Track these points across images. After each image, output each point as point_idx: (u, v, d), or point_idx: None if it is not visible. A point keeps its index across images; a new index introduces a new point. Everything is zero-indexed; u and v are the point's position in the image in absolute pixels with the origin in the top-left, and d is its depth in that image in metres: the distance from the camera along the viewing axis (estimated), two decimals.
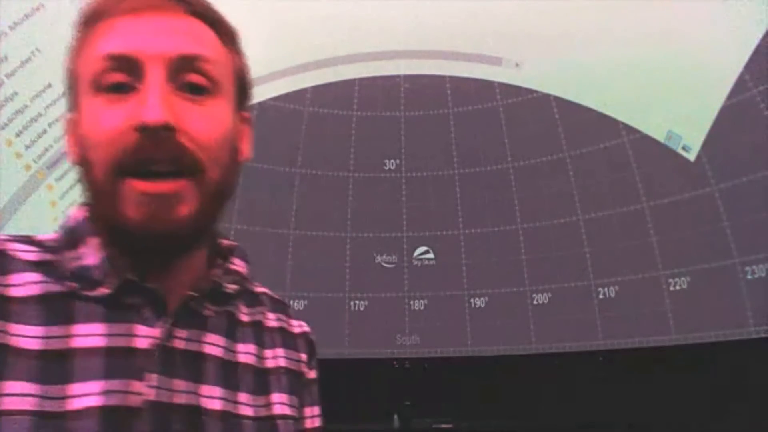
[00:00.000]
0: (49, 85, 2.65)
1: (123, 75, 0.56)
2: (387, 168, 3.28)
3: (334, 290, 3.16)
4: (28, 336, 0.55)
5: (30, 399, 0.52)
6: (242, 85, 0.66)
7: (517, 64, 3.18)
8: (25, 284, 0.57)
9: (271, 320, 0.73)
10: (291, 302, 3.29)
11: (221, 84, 0.61)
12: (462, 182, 3.25)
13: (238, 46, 0.66)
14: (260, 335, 0.70)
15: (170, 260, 0.61)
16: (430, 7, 3.14)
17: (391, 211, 3.26)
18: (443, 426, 2.98)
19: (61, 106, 2.95)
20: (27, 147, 2.64)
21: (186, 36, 0.59)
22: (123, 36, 0.57)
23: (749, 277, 2.69)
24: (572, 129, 3.12)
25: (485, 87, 3.23)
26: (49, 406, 0.53)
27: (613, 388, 2.73)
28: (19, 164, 2.64)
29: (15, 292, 0.56)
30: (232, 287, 0.66)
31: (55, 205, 2.71)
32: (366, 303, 3.16)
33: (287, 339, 0.73)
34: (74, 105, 0.61)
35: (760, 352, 2.59)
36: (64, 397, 0.53)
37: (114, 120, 0.56)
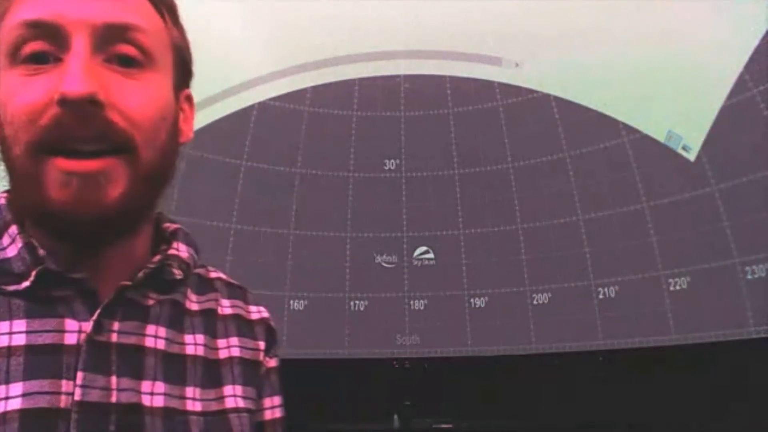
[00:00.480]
0: None
1: (44, 43, 0.51)
2: (387, 168, 3.28)
3: (334, 290, 3.16)
4: None
5: None
6: (182, 60, 0.61)
7: (517, 64, 3.18)
8: None
9: (226, 307, 0.68)
10: (291, 302, 3.29)
11: (156, 57, 0.56)
12: (462, 182, 3.25)
13: (176, 18, 0.61)
14: (212, 324, 0.66)
15: (101, 247, 0.57)
16: (430, 7, 3.14)
17: (391, 211, 3.26)
18: (443, 426, 2.98)
19: None
20: None
21: (119, 3, 0.54)
22: (46, 2, 0.51)
23: (749, 277, 2.69)
24: (572, 129, 3.12)
25: (485, 87, 3.23)
26: None
27: (613, 388, 2.73)
28: None
29: None
30: (176, 272, 0.61)
31: None
32: (366, 303, 3.16)
33: (243, 327, 0.69)
34: None
35: (760, 352, 2.59)
36: None
37: (33, 93, 0.50)
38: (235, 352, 0.66)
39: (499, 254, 3.18)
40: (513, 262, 3.15)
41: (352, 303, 3.17)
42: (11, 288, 0.54)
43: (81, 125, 0.50)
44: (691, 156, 2.88)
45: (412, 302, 3.19)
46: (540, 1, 3.04)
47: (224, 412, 0.62)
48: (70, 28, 0.51)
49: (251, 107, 3.08)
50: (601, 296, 2.99)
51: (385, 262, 3.23)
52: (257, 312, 0.72)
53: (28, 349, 0.51)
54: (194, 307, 0.65)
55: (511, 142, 3.21)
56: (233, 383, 0.64)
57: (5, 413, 0.49)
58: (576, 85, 3.10)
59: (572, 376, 2.91)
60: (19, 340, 0.51)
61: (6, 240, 0.56)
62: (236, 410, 0.63)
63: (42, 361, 0.51)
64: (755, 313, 2.67)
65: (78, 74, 0.49)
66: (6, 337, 0.51)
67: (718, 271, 2.77)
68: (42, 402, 0.50)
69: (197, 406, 0.59)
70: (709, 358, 2.71)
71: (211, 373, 0.63)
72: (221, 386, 0.63)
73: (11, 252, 0.55)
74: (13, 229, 0.56)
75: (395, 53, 3.27)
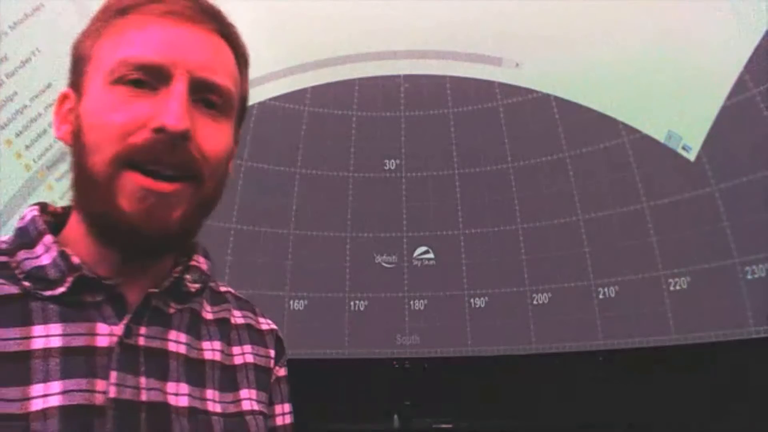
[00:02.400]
0: (49, 85, 2.65)
1: (145, 76, 0.58)
2: (387, 168, 3.28)
3: (334, 290, 3.16)
4: None
5: None
6: (243, 108, 0.68)
7: (517, 64, 3.18)
8: None
9: (238, 317, 0.73)
10: (291, 302, 3.28)
11: (231, 106, 0.64)
12: (462, 182, 3.25)
13: (247, 72, 0.68)
14: (226, 332, 0.70)
15: (150, 259, 0.62)
16: (430, 7, 3.14)
17: (391, 211, 3.26)
18: (443, 426, 2.98)
19: None
20: (27, 147, 2.64)
21: (215, 60, 0.61)
22: (156, 43, 0.59)
23: (749, 277, 2.69)
24: (572, 129, 3.12)
25: (485, 87, 3.23)
26: (10, 409, 0.52)
27: (613, 388, 2.73)
28: (19, 164, 2.63)
29: None
30: (194, 285, 0.65)
31: (56, 205, 2.71)
32: (366, 303, 3.16)
33: (255, 336, 0.73)
34: (77, 85, 0.61)
35: (760, 352, 2.59)
36: (24, 399, 0.53)
37: (130, 114, 0.56)
38: (249, 358, 0.70)
39: (499, 254, 3.18)
40: (513, 262, 3.15)
41: (352, 303, 3.17)
42: (47, 293, 0.57)
43: (169, 153, 0.56)
44: (691, 156, 2.88)
45: (412, 302, 3.19)
46: (540, 1, 3.03)
47: (241, 414, 0.66)
48: (173, 71, 0.58)
49: (251, 107, 3.07)
50: (601, 296, 2.99)
51: (385, 262, 3.23)
52: (266, 323, 0.76)
53: (64, 350, 0.55)
54: (209, 316, 0.69)
55: (511, 142, 3.21)
56: (248, 387, 0.68)
57: (45, 409, 0.53)
58: (576, 85, 3.10)
59: (572, 376, 2.91)
60: (56, 342, 0.55)
61: (40, 249, 0.60)
62: (252, 413, 0.67)
63: (77, 361, 0.55)
64: (755, 313, 2.67)
65: (179, 111, 0.56)
66: (43, 339, 0.55)
67: (718, 271, 2.77)
68: (79, 399, 0.54)
69: (217, 408, 0.63)
70: (709, 358, 2.71)
71: (228, 377, 0.67)
72: (238, 390, 0.67)
73: (45, 260, 0.59)
74: (48, 238, 0.60)
75: (395, 53, 3.27)
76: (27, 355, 0.55)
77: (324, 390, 2.62)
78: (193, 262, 0.67)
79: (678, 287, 2.85)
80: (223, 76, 0.62)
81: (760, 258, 2.67)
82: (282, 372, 0.76)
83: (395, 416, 2.99)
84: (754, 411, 2.43)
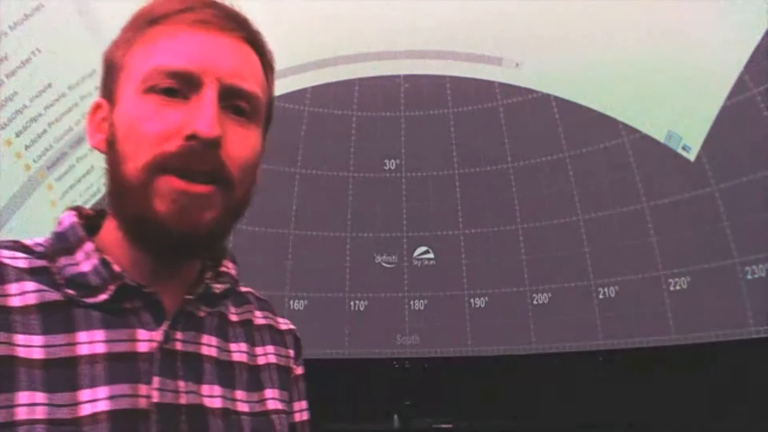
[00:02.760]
0: (49, 85, 2.65)
1: (177, 84, 0.59)
2: (387, 168, 3.28)
3: (334, 290, 3.16)
4: (32, 346, 0.55)
5: (41, 408, 0.53)
6: (270, 115, 0.71)
7: (517, 64, 3.18)
8: (23, 293, 0.57)
9: (259, 318, 0.75)
10: (291, 302, 3.29)
11: (259, 112, 0.65)
12: (462, 182, 3.25)
13: (273, 78, 0.70)
14: (250, 333, 0.72)
15: (180, 261, 0.64)
16: (430, 7, 3.14)
17: (391, 211, 3.26)
18: (443, 426, 2.98)
19: (61, 106, 2.94)
20: (27, 147, 2.64)
21: (243, 67, 0.63)
22: (186, 52, 0.60)
23: (749, 277, 2.69)
24: (572, 129, 3.12)
25: (485, 87, 3.23)
26: (60, 414, 0.54)
27: (613, 388, 2.73)
28: (19, 164, 2.63)
29: (13, 301, 0.56)
30: (219, 287, 0.67)
31: (55, 205, 2.71)
32: (366, 303, 3.16)
33: (275, 336, 0.75)
34: (110, 93, 0.63)
35: (760, 352, 2.59)
36: (73, 404, 0.54)
37: (163, 122, 0.58)
38: (272, 359, 0.73)
39: (499, 254, 3.18)
40: (513, 262, 3.15)
41: (352, 303, 3.17)
42: (89, 300, 0.59)
43: (201, 159, 0.58)
44: (691, 156, 2.88)
45: (412, 302, 3.19)
46: (540, 1, 3.04)
47: (267, 413, 0.68)
48: (203, 78, 0.60)
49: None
50: (601, 296, 3.00)
51: (385, 262, 3.23)
52: (285, 323, 0.79)
53: (108, 356, 0.57)
54: (234, 318, 0.71)
55: (511, 142, 3.21)
56: (272, 387, 0.71)
57: (94, 414, 0.55)
58: (576, 85, 3.10)
59: (572, 376, 2.91)
60: (100, 348, 0.57)
61: (80, 255, 0.61)
62: (276, 411, 0.69)
63: (121, 367, 0.58)
64: (755, 313, 2.67)
65: (211, 119, 0.58)
66: (87, 345, 0.57)
67: (718, 271, 2.77)
68: (125, 404, 0.56)
69: (245, 408, 0.66)
70: (709, 358, 2.71)
71: (254, 377, 0.69)
72: (263, 390, 0.69)
73: (86, 267, 0.60)
74: (89, 245, 0.61)
75: (395, 53, 3.27)
76: (74, 361, 0.56)
77: (324, 390, 2.62)
78: (222, 268, 0.69)
79: (678, 287, 2.85)
80: (251, 82, 0.63)
81: (760, 258, 2.67)
82: (299, 370, 0.78)
83: (395, 416, 2.99)
84: (754, 411, 2.43)
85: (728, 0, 2.78)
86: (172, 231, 0.58)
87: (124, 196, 0.60)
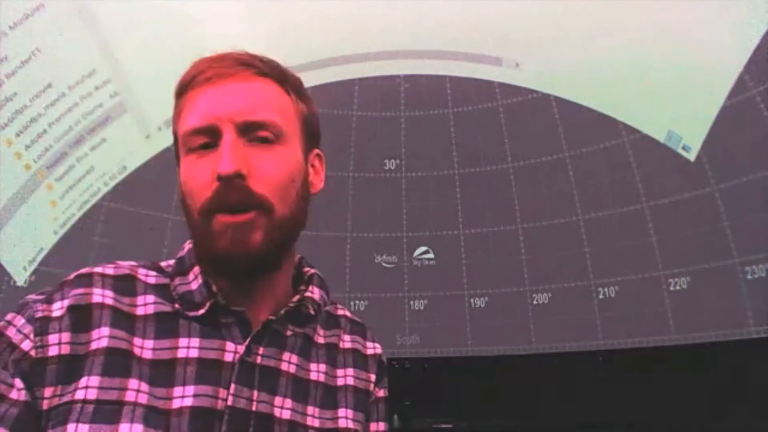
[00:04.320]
0: (49, 85, 2.65)
1: (205, 137, 0.70)
2: (387, 168, 3.28)
3: (334, 290, 3.10)
4: (145, 348, 0.68)
5: (144, 395, 0.65)
6: (309, 127, 0.81)
7: (517, 64, 3.18)
8: (145, 305, 0.71)
9: (347, 342, 0.85)
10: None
11: (286, 133, 0.74)
12: (462, 182, 3.25)
13: (304, 94, 0.82)
14: (333, 356, 0.81)
15: (251, 280, 0.73)
16: (430, 7, 3.14)
17: (391, 211, 3.26)
18: (443, 426, 2.98)
19: (61, 106, 2.95)
20: (27, 147, 2.64)
21: (254, 100, 0.72)
22: (202, 109, 0.71)
23: (749, 277, 2.69)
24: (572, 129, 3.12)
25: (485, 87, 3.23)
26: (157, 404, 0.65)
27: (613, 388, 2.73)
28: (19, 164, 2.63)
29: (138, 311, 0.70)
30: (310, 310, 0.77)
31: (55, 205, 2.71)
32: (366, 303, 3.16)
33: (359, 360, 0.84)
34: (177, 160, 0.76)
35: (760, 352, 2.59)
36: (168, 398, 0.66)
37: (201, 174, 0.69)
38: (350, 381, 0.81)
39: (499, 254, 3.18)
40: (513, 262, 3.15)
41: (352, 303, 3.17)
42: (191, 314, 0.71)
43: (231, 193, 0.68)
44: (691, 156, 2.88)
45: (412, 302, 3.19)
46: (540, 1, 3.04)
47: (337, 430, 0.76)
48: (221, 126, 0.70)
49: None
50: (601, 296, 3.00)
51: (385, 262, 3.23)
52: (372, 348, 0.89)
53: (199, 361, 0.68)
54: (321, 340, 0.81)
55: (511, 142, 3.21)
56: (346, 407, 0.78)
57: (181, 408, 0.65)
58: (576, 85, 3.10)
59: (572, 376, 2.91)
60: (194, 353, 0.69)
61: (191, 277, 0.74)
62: (347, 430, 0.77)
63: (208, 372, 0.68)
64: (755, 313, 2.67)
65: (227, 157, 0.67)
66: (185, 350, 0.69)
67: (718, 271, 2.77)
68: (205, 403, 0.66)
69: (315, 423, 0.74)
70: (709, 358, 2.71)
71: (329, 396, 0.77)
72: (336, 408, 0.77)
73: (194, 286, 0.73)
74: (197, 269, 0.74)
75: (395, 53, 3.27)
76: (174, 363, 0.68)
77: None
78: (308, 294, 0.78)
79: (678, 287, 2.85)
80: (266, 111, 0.72)
81: (760, 258, 2.67)
82: (381, 393, 0.86)
83: (395, 416, 2.99)
84: (754, 411, 2.43)
85: (728, 0, 2.78)
86: (230, 257, 0.68)
87: (197, 242, 0.72)
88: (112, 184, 2.82)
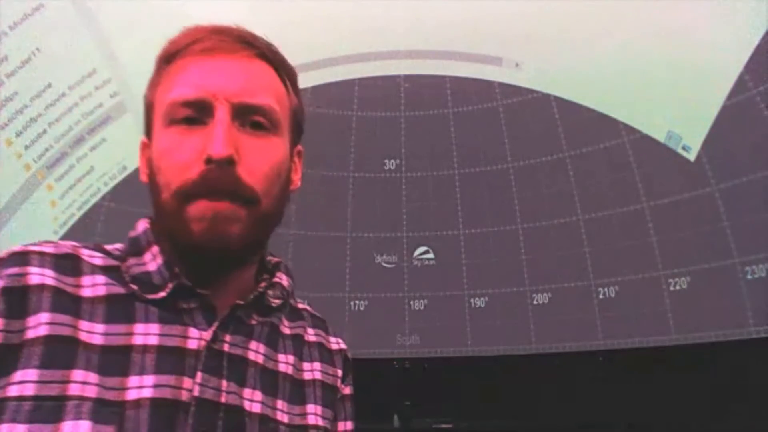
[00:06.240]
0: (49, 85, 2.65)
1: (193, 112, 0.64)
2: (387, 168, 3.28)
3: (334, 290, 3.16)
4: (94, 332, 0.61)
5: (92, 387, 0.58)
6: (297, 122, 0.75)
7: (517, 64, 3.18)
8: (94, 286, 0.64)
9: (311, 335, 0.79)
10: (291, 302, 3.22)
11: (280, 124, 0.69)
12: (462, 182, 3.25)
13: (296, 87, 0.74)
14: (300, 348, 0.76)
15: (222, 273, 0.68)
16: (430, 7, 3.14)
17: (391, 211, 3.26)
18: (443, 426, 2.98)
19: (61, 106, 2.95)
20: (27, 147, 2.64)
21: (252, 83, 0.66)
22: (196, 80, 0.65)
23: (749, 277, 2.69)
24: (572, 129, 3.12)
25: (485, 87, 3.23)
26: (109, 395, 0.58)
27: (613, 388, 2.73)
28: (19, 164, 2.63)
29: (85, 292, 0.63)
30: (275, 301, 0.72)
31: (55, 205, 2.71)
32: (366, 303, 3.16)
33: (325, 354, 0.79)
34: (148, 131, 0.69)
35: (760, 352, 2.59)
36: (121, 388, 0.59)
37: (185, 152, 0.63)
38: (318, 375, 0.76)
39: (499, 254, 3.18)
40: (513, 262, 3.15)
41: (352, 303, 3.17)
42: (150, 297, 0.65)
43: (220, 180, 0.62)
44: (691, 156, 2.88)
45: (412, 302, 3.19)
46: (540, 1, 3.04)
47: (306, 427, 0.71)
48: (214, 102, 0.64)
49: None
50: (601, 296, 3.00)
51: (385, 262, 3.23)
52: (336, 343, 0.83)
53: (160, 349, 0.62)
54: (287, 331, 0.76)
55: (511, 142, 3.21)
56: (315, 403, 0.74)
57: (139, 399, 0.59)
58: (576, 85, 3.10)
59: (572, 376, 2.91)
60: (153, 340, 0.62)
61: (148, 257, 0.67)
62: (316, 427, 0.72)
63: (169, 360, 0.62)
64: (755, 313, 2.67)
65: (221, 140, 0.62)
66: (142, 336, 0.62)
67: (718, 271, 2.77)
68: (168, 394, 0.60)
69: (285, 418, 0.69)
70: (709, 358, 2.71)
71: (297, 391, 0.72)
72: (305, 404, 0.72)
73: (151, 267, 0.66)
74: (155, 248, 0.67)
75: (395, 53, 3.27)
76: (129, 349, 0.61)
77: None
78: (276, 279, 0.73)
79: (678, 287, 2.85)
80: (264, 95, 0.66)
81: (760, 258, 2.67)
82: (347, 390, 0.82)
83: (395, 416, 2.99)
84: (754, 411, 2.43)
85: (728, 0, 2.78)
86: (206, 248, 0.62)
87: (166, 224, 0.65)
88: (112, 184, 2.82)
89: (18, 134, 2.62)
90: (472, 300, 3.16)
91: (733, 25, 2.77)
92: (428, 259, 3.23)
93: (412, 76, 3.29)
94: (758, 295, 2.66)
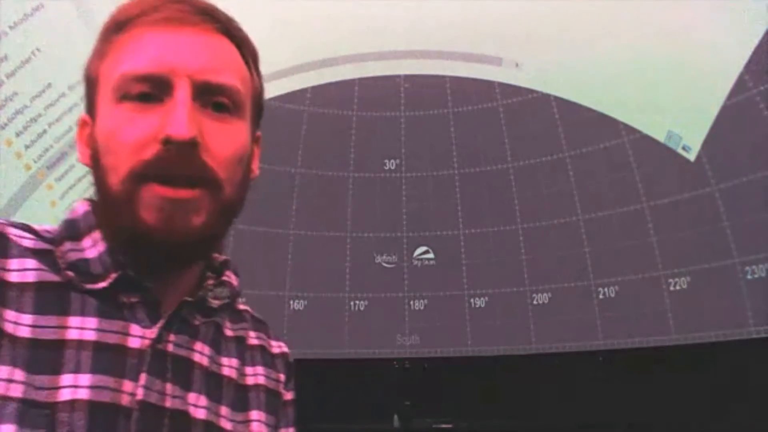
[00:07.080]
0: (49, 85, 2.65)
1: (148, 88, 0.57)
2: (387, 168, 3.28)
3: (334, 290, 3.16)
4: (20, 323, 0.54)
5: (18, 386, 0.52)
6: (258, 106, 0.67)
7: (517, 64, 3.18)
8: (23, 270, 0.56)
9: (253, 338, 0.73)
10: (291, 302, 3.28)
11: (243, 106, 0.62)
12: (462, 182, 3.25)
13: (258, 68, 0.67)
14: (242, 351, 0.70)
15: (171, 268, 0.61)
16: (430, 7, 3.14)
17: (391, 211, 3.26)
18: (443, 426, 2.98)
19: (61, 106, 2.94)
20: (27, 147, 2.64)
21: (216, 60, 0.60)
22: (152, 53, 0.58)
23: (749, 277, 2.69)
24: (572, 129, 3.12)
25: (485, 87, 3.23)
26: (37, 396, 0.52)
27: (613, 388, 2.73)
28: (19, 164, 2.63)
29: (11, 277, 0.56)
30: (216, 302, 0.65)
31: (55, 205, 2.71)
32: (366, 303, 3.16)
33: (267, 358, 0.73)
34: (91, 108, 0.62)
35: (760, 352, 2.59)
36: (52, 388, 0.53)
37: (138, 130, 0.56)
38: (261, 380, 0.71)
39: (499, 254, 3.18)
40: (513, 262, 3.15)
41: (352, 303, 3.17)
42: (87, 286, 0.58)
43: (180, 163, 0.55)
44: (691, 156, 2.88)
45: (412, 302, 3.19)
46: (540, 1, 3.04)
47: None
48: (174, 78, 0.57)
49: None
50: (601, 296, 3.00)
51: (385, 262, 3.23)
52: (278, 346, 0.77)
53: (97, 345, 0.56)
54: (229, 333, 0.70)
55: (511, 142, 3.21)
56: (258, 409, 0.68)
57: (74, 400, 0.53)
58: (576, 85, 3.10)
59: (572, 376, 2.91)
60: (90, 335, 0.56)
61: (87, 242, 0.60)
62: None
63: (108, 358, 0.56)
64: (755, 313, 2.67)
65: (183, 120, 0.55)
66: (78, 331, 0.56)
67: (718, 271, 2.77)
68: (106, 397, 0.54)
69: (228, 426, 0.63)
70: (709, 358, 2.71)
71: (241, 396, 0.67)
72: (248, 411, 0.67)
73: (91, 254, 0.59)
74: (97, 234, 0.60)
75: (395, 53, 3.27)
76: (62, 344, 0.55)
77: (324, 390, 2.62)
78: (224, 277, 0.67)
79: (678, 287, 2.85)
80: (229, 75, 0.60)
81: (760, 258, 2.67)
82: (289, 396, 0.76)
83: (395, 416, 2.99)
84: (754, 411, 2.43)
85: (728, 0, 2.78)
86: (161, 241, 0.56)
87: (112, 210, 0.58)
88: None
89: (18, 134, 2.62)
90: (472, 300, 3.16)
91: (733, 25, 2.77)
92: (428, 259, 3.23)
93: (412, 76, 3.29)
94: (758, 295, 2.66)
